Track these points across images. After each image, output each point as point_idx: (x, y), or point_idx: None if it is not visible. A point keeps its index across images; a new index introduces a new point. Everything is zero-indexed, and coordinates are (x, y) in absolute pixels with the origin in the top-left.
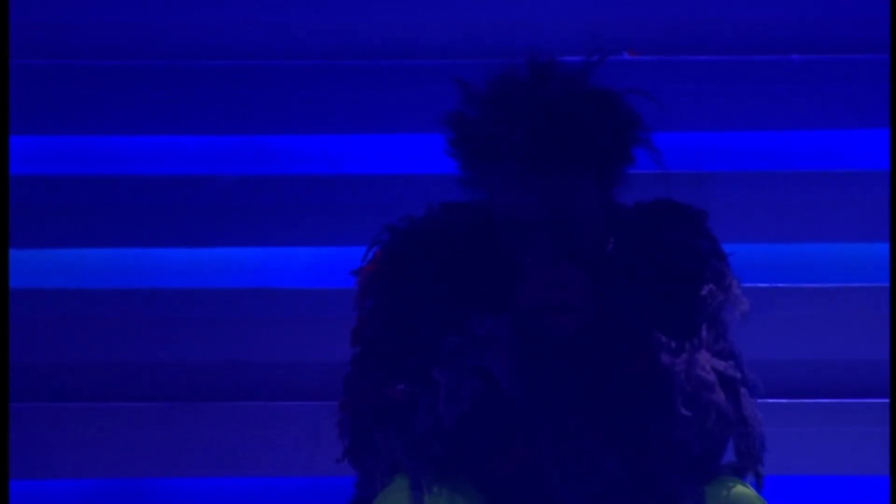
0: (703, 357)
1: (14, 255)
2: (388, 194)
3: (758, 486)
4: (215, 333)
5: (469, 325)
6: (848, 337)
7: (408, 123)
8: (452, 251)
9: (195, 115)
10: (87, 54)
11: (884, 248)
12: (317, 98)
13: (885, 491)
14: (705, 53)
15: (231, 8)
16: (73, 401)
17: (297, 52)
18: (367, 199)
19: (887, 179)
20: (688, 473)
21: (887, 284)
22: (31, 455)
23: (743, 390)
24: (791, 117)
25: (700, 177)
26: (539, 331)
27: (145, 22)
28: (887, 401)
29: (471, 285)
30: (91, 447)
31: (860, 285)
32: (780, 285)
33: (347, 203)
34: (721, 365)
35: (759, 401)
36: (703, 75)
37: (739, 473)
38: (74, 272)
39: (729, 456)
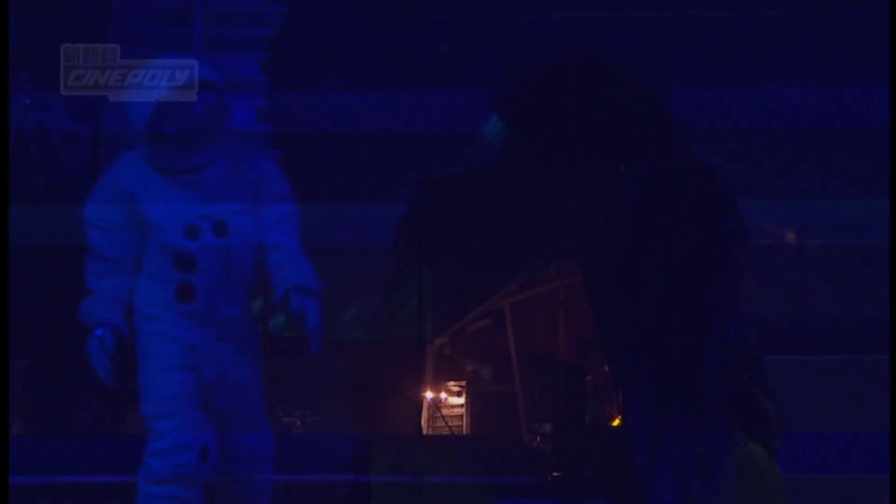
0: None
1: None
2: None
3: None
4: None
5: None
6: (849, 294)
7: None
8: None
9: None
10: None
11: (884, 203)
12: None
13: (885, 446)
14: (712, 10)
15: None
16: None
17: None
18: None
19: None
20: None
21: (887, 240)
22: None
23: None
24: (795, 73)
25: (705, 132)
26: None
27: None
28: (887, 357)
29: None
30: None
31: (862, 241)
32: (784, 242)
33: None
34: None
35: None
36: (709, 31)
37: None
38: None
39: None
